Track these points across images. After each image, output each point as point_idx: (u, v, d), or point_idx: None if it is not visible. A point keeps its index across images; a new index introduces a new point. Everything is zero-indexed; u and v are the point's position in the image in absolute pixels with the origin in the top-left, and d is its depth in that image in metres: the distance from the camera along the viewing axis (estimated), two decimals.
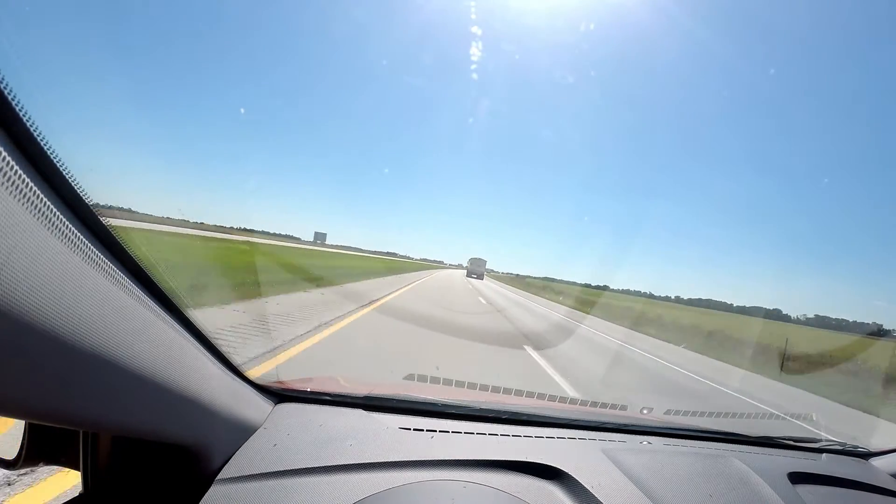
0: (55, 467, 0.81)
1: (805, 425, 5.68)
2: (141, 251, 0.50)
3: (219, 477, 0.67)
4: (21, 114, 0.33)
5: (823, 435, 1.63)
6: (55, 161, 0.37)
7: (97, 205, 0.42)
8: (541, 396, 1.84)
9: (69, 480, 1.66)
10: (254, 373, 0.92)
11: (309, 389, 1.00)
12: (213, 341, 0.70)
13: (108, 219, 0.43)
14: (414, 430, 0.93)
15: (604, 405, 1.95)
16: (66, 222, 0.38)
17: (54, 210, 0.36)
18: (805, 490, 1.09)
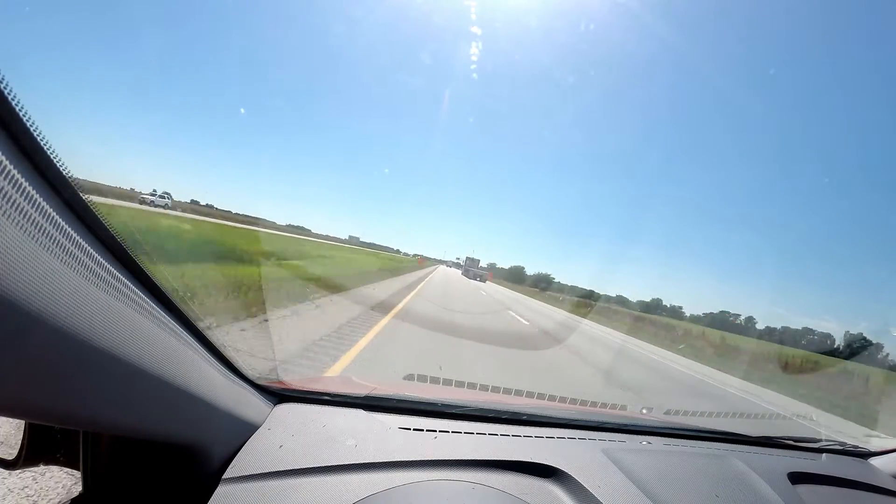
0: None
1: (806, 423, 5.68)
2: (140, 251, 0.50)
3: (225, 476, 0.67)
4: (21, 113, 0.33)
5: (823, 435, 1.63)
6: (55, 161, 0.37)
7: (95, 204, 0.42)
8: (541, 396, 1.84)
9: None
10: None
11: (309, 389, 1.00)
12: (214, 341, 0.70)
13: (99, 210, 0.43)
14: (414, 430, 0.93)
15: (604, 405, 1.95)
16: (66, 222, 0.38)
17: (55, 210, 0.36)
18: (805, 490, 1.09)
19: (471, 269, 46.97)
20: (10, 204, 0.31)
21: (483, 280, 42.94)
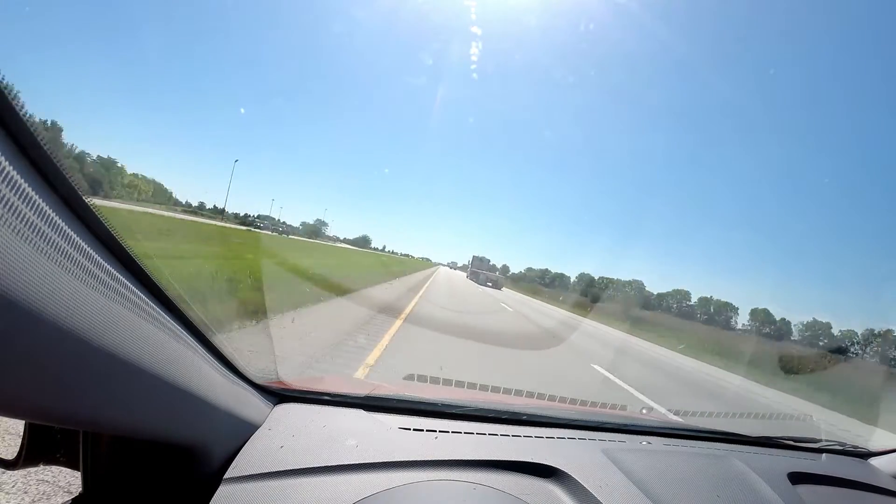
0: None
1: (806, 423, 5.68)
2: (139, 249, 0.50)
3: (226, 476, 0.67)
4: (21, 113, 0.33)
5: (823, 435, 1.63)
6: (55, 161, 0.37)
7: (96, 204, 0.42)
8: (541, 396, 1.84)
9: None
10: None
11: (309, 389, 1.00)
12: (214, 340, 0.70)
13: (99, 210, 0.43)
14: (414, 430, 0.92)
15: (604, 405, 1.95)
16: (65, 222, 0.38)
17: (53, 209, 0.36)
18: (805, 490, 1.09)
19: (479, 271, 40.18)
20: (8, 204, 0.31)
21: (498, 286, 35.89)
